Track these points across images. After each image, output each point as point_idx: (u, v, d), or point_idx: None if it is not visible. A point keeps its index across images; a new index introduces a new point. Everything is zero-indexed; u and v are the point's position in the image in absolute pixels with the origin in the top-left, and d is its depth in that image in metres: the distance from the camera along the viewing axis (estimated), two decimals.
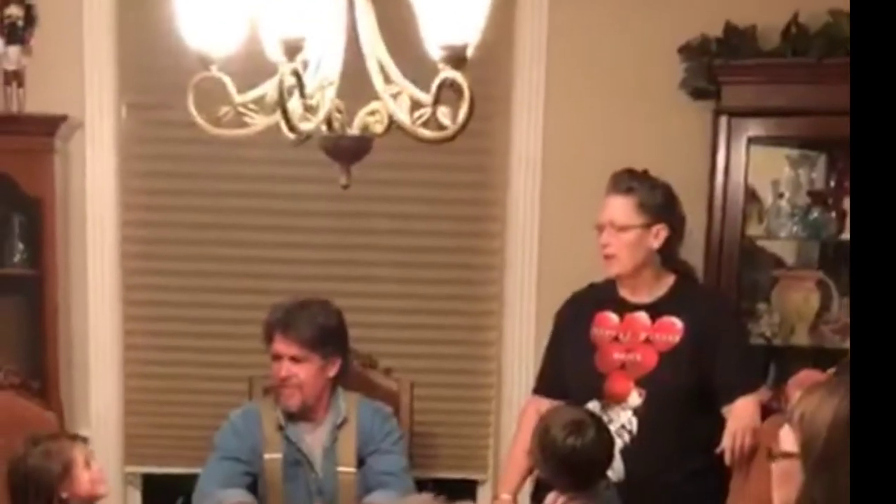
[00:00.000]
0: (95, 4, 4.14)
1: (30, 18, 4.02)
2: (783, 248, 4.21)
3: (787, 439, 1.98)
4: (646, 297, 3.35)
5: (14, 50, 3.99)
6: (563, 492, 2.97)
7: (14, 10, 3.98)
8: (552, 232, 4.23)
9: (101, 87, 4.17)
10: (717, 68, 3.99)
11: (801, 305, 4.09)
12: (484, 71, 4.13)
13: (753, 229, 4.09)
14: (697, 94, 4.13)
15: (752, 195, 4.05)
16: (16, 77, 4.00)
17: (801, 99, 3.84)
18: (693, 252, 3.96)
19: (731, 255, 4.00)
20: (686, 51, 4.11)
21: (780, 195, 4.07)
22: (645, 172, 3.36)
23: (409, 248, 4.30)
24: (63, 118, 4.02)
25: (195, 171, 4.24)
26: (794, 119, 3.91)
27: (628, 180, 3.33)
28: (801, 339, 4.08)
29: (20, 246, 4.10)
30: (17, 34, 3.99)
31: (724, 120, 3.95)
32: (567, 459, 2.93)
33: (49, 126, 3.99)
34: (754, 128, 3.94)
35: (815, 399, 1.94)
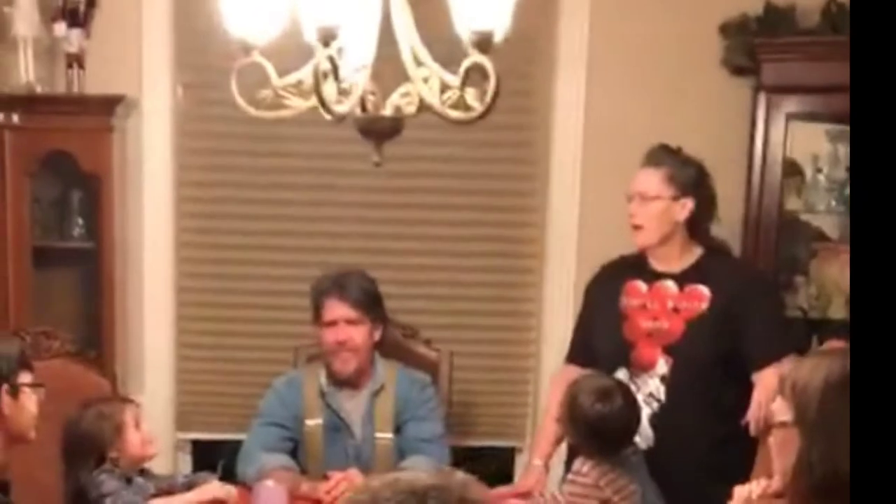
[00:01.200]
0: None
1: (91, 2, 4.12)
2: (821, 222, 4.24)
3: (782, 410, 2.08)
4: (674, 267, 3.40)
5: (75, 33, 4.09)
6: (591, 457, 3.05)
7: None
8: (592, 206, 4.31)
9: (157, 67, 4.29)
10: (758, 46, 4.04)
11: (838, 278, 4.13)
12: (527, 48, 4.24)
13: (792, 203, 4.14)
14: (737, 71, 4.19)
15: (791, 170, 4.10)
16: (76, 59, 4.10)
17: (840, 76, 3.82)
18: (732, 226, 4.04)
19: (769, 228, 4.06)
20: (727, 29, 4.17)
21: (819, 170, 4.12)
22: (679, 149, 3.43)
23: (450, 221, 4.39)
24: (120, 98, 4.14)
25: (247, 147, 4.33)
26: (833, 95, 3.90)
27: (660, 154, 3.40)
28: (838, 311, 4.12)
29: (79, 220, 4.23)
30: (79, 18, 4.09)
31: (763, 96, 4.01)
32: (595, 426, 3.04)
33: (107, 106, 4.11)
34: (793, 104, 4.00)
35: (806, 368, 2.03)
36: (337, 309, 3.49)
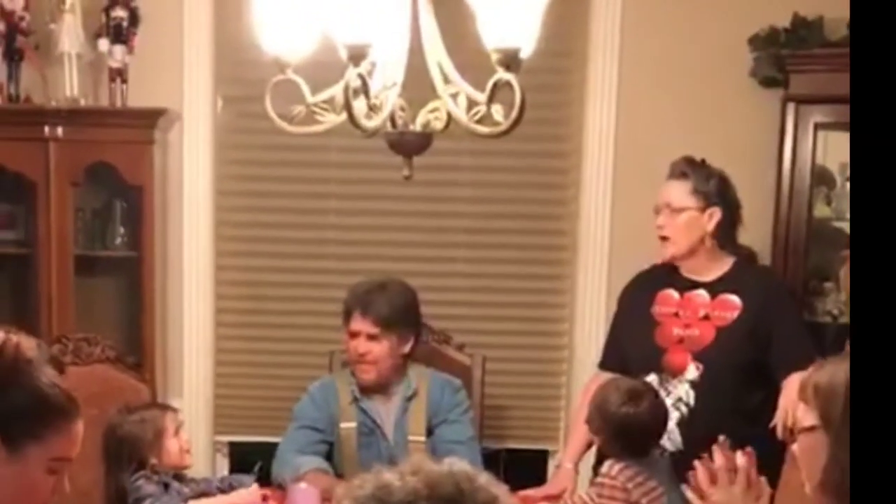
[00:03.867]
0: (194, 4, 4.36)
1: (133, 19, 4.21)
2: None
3: (806, 416, 2.10)
4: (705, 276, 3.47)
5: (118, 49, 4.18)
6: (619, 459, 3.10)
7: (119, 12, 4.17)
8: (623, 214, 4.37)
9: (198, 81, 4.39)
10: (786, 58, 4.10)
11: None
12: (559, 61, 4.32)
13: (821, 211, 4.18)
14: (766, 82, 4.25)
15: (820, 178, 4.15)
16: (119, 74, 4.19)
17: None
18: (762, 233, 4.09)
19: (799, 236, 4.11)
20: (755, 41, 4.23)
21: (848, 178, 4.16)
22: (703, 161, 3.50)
23: (483, 229, 4.47)
24: (162, 111, 4.21)
25: (284, 158, 4.43)
26: None
27: (684, 166, 3.47)
28: None
29: (121, 230, 4.32)
30: (122, 34, 4.18)
31: (791, 107, 4.06)
32: (623, 427, 3.08)
33: (149, 119, 4.18)
34: (821, 114, 4.04)
35: (828, 370, 2.06)
36: (359, 324, 3.56)
